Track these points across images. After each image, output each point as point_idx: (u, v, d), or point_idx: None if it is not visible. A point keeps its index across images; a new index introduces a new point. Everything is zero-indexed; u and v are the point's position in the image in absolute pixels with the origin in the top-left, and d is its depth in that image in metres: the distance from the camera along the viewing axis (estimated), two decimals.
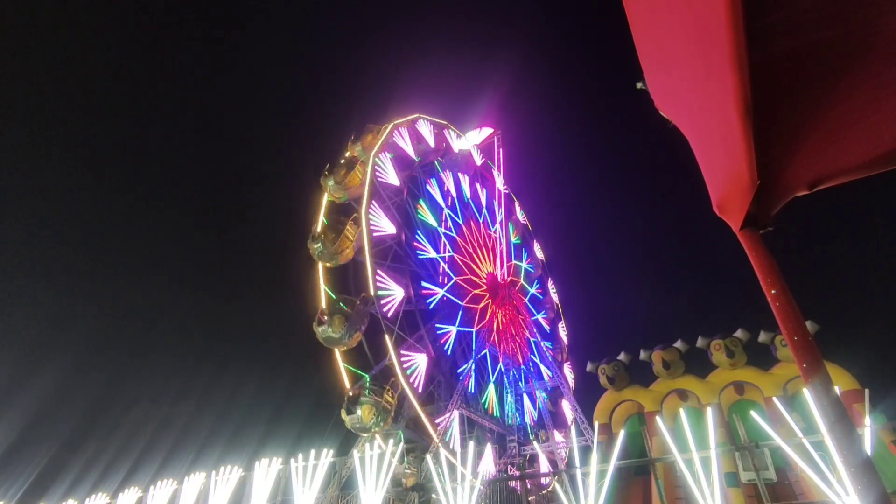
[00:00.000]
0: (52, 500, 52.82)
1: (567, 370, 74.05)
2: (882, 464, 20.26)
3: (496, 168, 73.36)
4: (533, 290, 74.74)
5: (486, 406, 53.50)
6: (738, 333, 27.58)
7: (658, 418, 23.93)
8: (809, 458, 18.69)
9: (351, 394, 36.92)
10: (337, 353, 40.76)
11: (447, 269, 54.99)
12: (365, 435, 36.54)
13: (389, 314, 41.80)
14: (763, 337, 27.23)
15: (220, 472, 31.57)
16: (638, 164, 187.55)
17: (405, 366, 40.16)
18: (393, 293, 43.65)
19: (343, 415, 36.22)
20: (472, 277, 58.61)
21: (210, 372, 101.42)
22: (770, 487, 21.07)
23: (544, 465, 49.69)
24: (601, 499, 21.28)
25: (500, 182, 72.75)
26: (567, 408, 63.90)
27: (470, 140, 71.17)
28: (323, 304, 41.51)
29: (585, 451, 25.27)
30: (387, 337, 39.71)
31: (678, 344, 28.97)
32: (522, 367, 62.18)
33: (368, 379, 38.60)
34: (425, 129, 59.52)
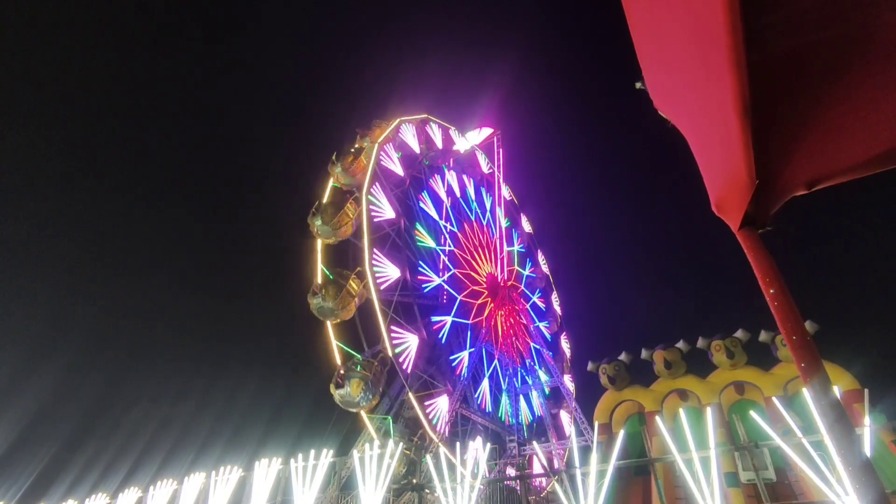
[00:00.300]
0: (52, 500, 52.86)
1: (568, 381, 73.73)
2: (882, 464, 20.26)
3: (497, 168, 73.40)
4: (535, 298, 74.65)
5: (480, 401, 53.54)
6: (738, 334, 27.60)
7: (658, 418, 23.93)
8: (809, 458, 18.69)
9: (341, 370, 37.10)
10: (331, 332, 40.78)
11: (446, 262, 55.01)
12: (353, 410, 36.80)
13: (384, 294, 42.22)
14: (764, 336, 27.24)
15: (219, 473, 31.59)
16: (637, 163, 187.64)
17: (395, 342, 40.47)
18: (388, 274, 43.94)
19: (332, 389, 36.47)
20: (472, 273, 58.62)
21: (210, 372, 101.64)
22: (770, 487, 21.07)
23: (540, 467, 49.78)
24: (601, 499, 21.28)
25: (505, 191, 72.99)
26: (566, 420, 63.98)
27: (470, 140, 71.22)
28: (318, 277, 41.76)
29: (585, 451, 25.27)
30: (377, 309, 39.84)
31: (680, 344, 28.98)
32: (520, 367, 62.22)
33: (361, 358, 38.76)
34: (432, 130, 59.83)
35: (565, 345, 77.92)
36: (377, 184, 47.36)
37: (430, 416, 40.22)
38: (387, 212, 47.34)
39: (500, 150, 75.03)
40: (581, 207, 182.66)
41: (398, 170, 51.08)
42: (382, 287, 42.31)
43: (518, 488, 28.31)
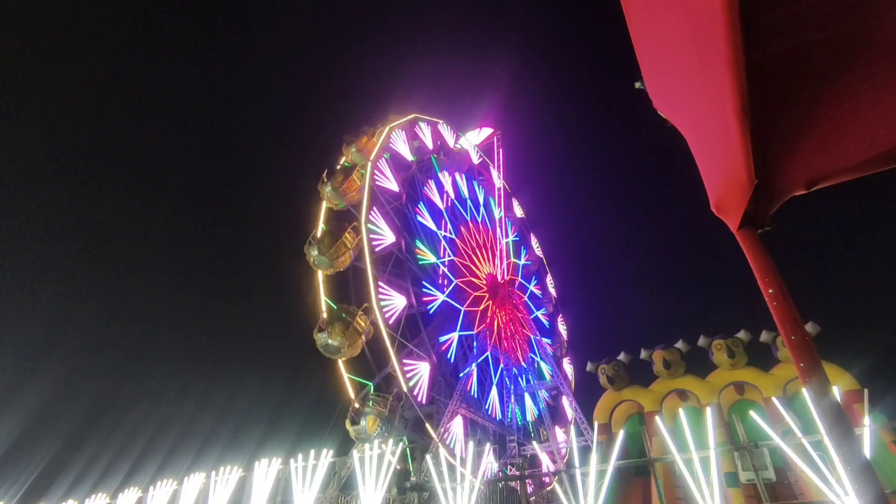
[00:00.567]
0: (52, 500, 52.83)
1: (567, 365, 74.27)
2: (883, 464, 20.26)
3: (496, 168, 73.44)
4: (532, 287, 74.84)
5: (490, 410, 53.59)
6: (741, 334, 27.60)
7: (658, 418, 23.93)
8: (809, 459, 18.69)
9: (356, 405, 37.03)
10: (341, 365, 40.74)
11: (447, 273, 55.04)
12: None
13: (391, 322, 41.78)
14: (765, 336, 27.24)
15: (219, 473, 31.58)
16: (637, 163, 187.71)
17: (408, 375, 40.12)
18: (394, 302, 43.70)
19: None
20: (472, 279, 58.66)
21: (210, 372, 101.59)
22: (769, 487, 21.07)
23: (544, 465, 49.79)
24: (601, 499, 21.27)
25: (496, 178, 72.77)
26: (567, 405, 63.99)
27: (470, 140, 71.25)
28: (323, 312, 41.19)
29: (585, 451, 25.27)
30: (389, 347, 39.52)
31: (679, 344, 28.98)
32: (524, 364, 62.28)
33: (372, 387, 38.63)
34: (421, 128, 59.69)
35: (562, 327, 78.36)
36: (375, 208, 46.60)
37: (408, 375, 40.00)
38: (387, 236, 46.44)
39: (500, 150, 75.15)
40: (581, 207, 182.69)
41: (393, 185, 50.42)
42: (389, 319, 41.88)
43: (518, 488, 28.31)
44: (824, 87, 2.07)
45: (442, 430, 40.18)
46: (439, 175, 61.18)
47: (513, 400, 57.15)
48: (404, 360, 40.84)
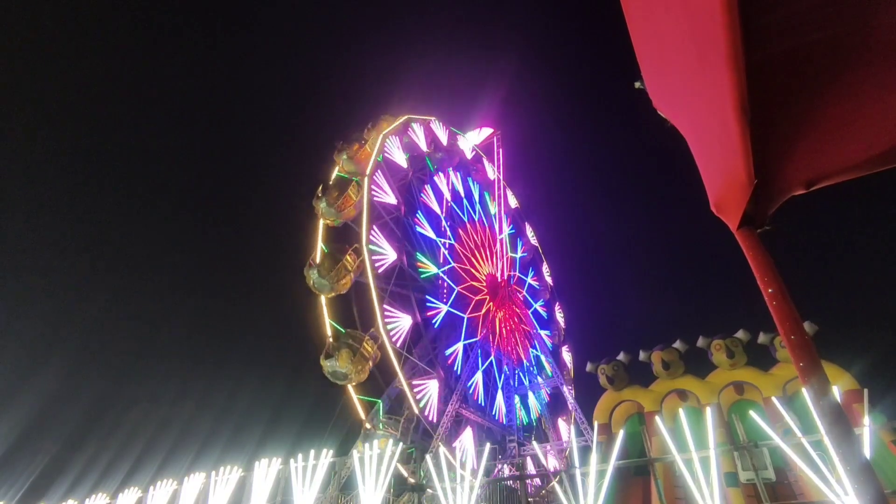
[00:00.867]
0: (52, 500, 52.82)
1: (566, 353, 74.38)
2: (882, 463, 20.26)
3: (495, 168, 73.37)
4: (537, 306, 74.73)
5: (495, 413, 53.59)
6: (740, 334, 27.60)
7: (657, 418, 23.93)
8: (808, 458, 18.69)
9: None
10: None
11: (448, 282, 55.01)
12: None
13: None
14: (762, 338, 27.24)
15: (219, 473, 31.56)
16: (637, 163, 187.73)
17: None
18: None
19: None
20: (473, 283, 58.65)
21: (210, 372, 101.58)
22: (769, 487, 21.06)
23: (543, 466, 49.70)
24: (601, 499, 21.27)
25: (490, 171, 72.50)
26: (563, 429, 64.04)
27: (470, 140, 71.20)
28: (329, 336, 40.39)
29: (585, 451, 25.27)
30: (398, 370, 39.46)
31: (677, 344, 28.98)
32: (517, 369, 62.26)
33: (381, 406, 38.59)
34: (439, 131, 59.74)
35: (567, 356, 77.69)
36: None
37: (419, 395, 40.10)
38: (388, 255, 46.21)
39: (500, 150, 75.14)
40: (580, 207, 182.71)
41: (390, 198, 50.01)
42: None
43: (517, 488, 28.32)
44: (824, 87, 2.07)
45: (442, 430, 40.19)
46: (435, 179, 60.94)
47: (517, 401, 57.22)
48: (413, 382, 40.63)
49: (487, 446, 28.04)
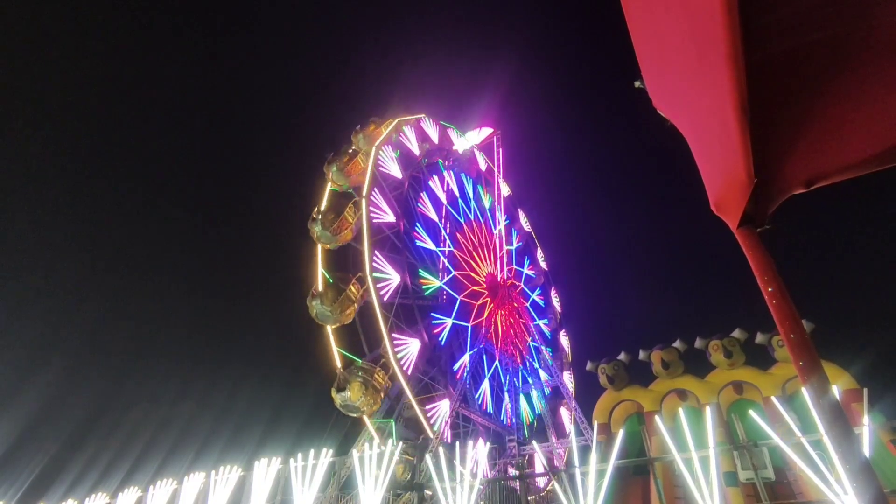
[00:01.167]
0: (51, 500, 52.82)
1: (567, 378, 73.89)
2: (881, 463, 20.29)
3: (496, 167, 73.40)
4: (534, 297, 74.72)
5: (486, 407, 53.49)
6: (736, 333, 27.62)
7: (657, 418, 23.95)
8: (808, 458, 18.71)
9: (342, 375, 37.12)
10: (330, 332, 40.77)
11: (446, 263, 55.06)
12: (354, 415, 36.73)
13: (385, 297, 42.28)
14: (760, 338, 27.28)
15: (219, 472, 31.56)
16: (636, 162, 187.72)
17: (397, 349, 40.49)
18: (389, 277, 44.13)
19: (333, 393, 36.46)
20: (472, 274, 58.65)
21: (209, 372, 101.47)
22: (768, 486, 21.09)
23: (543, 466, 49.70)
24: (600, 498, 21.29)
25: (504, 188, 73.01)
26: (566, 417, 64.09)
27: (470, 140, 71.21)
28: (319, 282, 41.81)
29: (584, 450, 25.29)
30: (379, 317, 39.94)
31: (677, 344, 29.02)
32: (521, 366, 62.26)
33: (361, 362, 38.79)
34: (429, 129, 59.72)
35: (564, 341, 78.13)
36: (376, 188, 47.49)
37: (431, 419, 40.23)
38: (386, 215, 47.37)
39: (500, 150, 75.13)
40: (580, 207, 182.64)
41: (396, 172, 51.05)
42: (383, 291, 42.37)
43: (518, 488, 28.34)
44: (824, 86, 2.08)
45: (441, 430, 40.17)
46: (444, 173, 61.33)
47: (507, 399, 57.17)
48: (395, 336, 41.24)
49: (487, 446, 28.08)
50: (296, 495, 27.14)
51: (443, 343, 50.30)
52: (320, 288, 40.99)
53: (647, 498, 23.81)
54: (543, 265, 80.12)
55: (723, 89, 2.02)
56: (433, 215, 56.65)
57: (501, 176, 73.52)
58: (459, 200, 63.80)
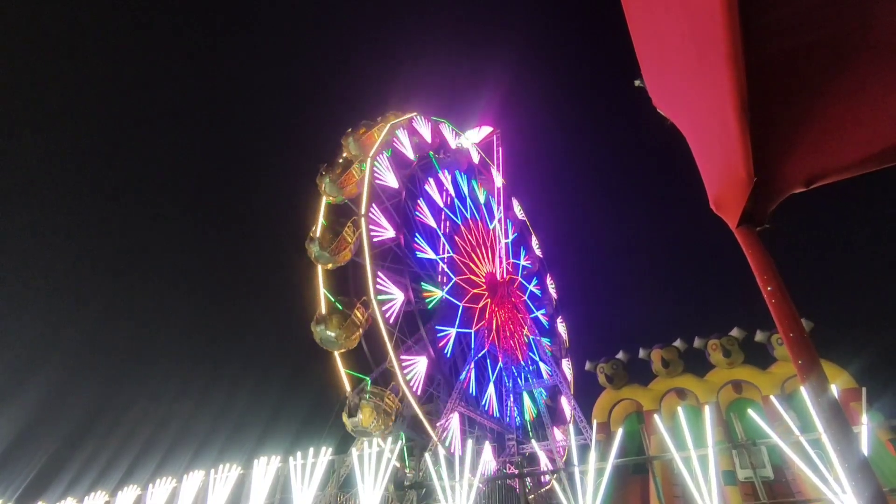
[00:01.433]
0: (51, 499, 52.81)
1: (566, 366, 74.28)
2: (880, 462, 20.33)
3: (495, 166, 73.40)
4: (531, 287, 74.88)
5: (486, 406, 53.54)
6: (734, 332, 27.66)
7: (656, 417, 23.99)
8: (806, 457, 18.75)
9: (351, 398, 36.97)
10: (336, 355, 40.60)
11: (447, 270, 55.05)
12: (365, 439, 36.53)
13: (391, 319, 41.78)
14: (760, 336, 27.31)
15: (218, 471, 31.58)
16: (636, 161, 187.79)
17: (405, 371, 40.23)
18: (393, 296, 43.70)
19: (344, 418, 36.32)
20: (472, 277, 58.66)
21: (209, 371, 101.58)
22: (767, 485, 21.14)
23: (543, 464, 49.84)
24: (599, 497, 21.33)
25: (498, 179, 72.78)
26: (566, 405, 64.10)
27: (469, 139, 71.19)
28: (322, 305, 41.34)
29: (584, 449, 25.33)
30: (387, 342, 39.55)
31: (677, 343, 29.05)
32: (522, 363, 62.35)
33: (370, 382, 38.58)
34: (421, 127, 59.57)
35: (562, 328, 78.28)
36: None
37: (442, 435, 40.14)
38: (386, 231, 46.57)
39: (500, 149, 75.12)
40: (579, 206, 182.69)
41: (393, 182, 50.43)
42: (388, 314, 41.97)
43: (517, 487, 28.38)
44: (824, 85, 2.08)
45: (440, 428, 40.21)
46: (440, 174, 61.08)
47: (511, 399, 57.23)
48: (402, 357, 40.97)
49: (487, 444, 28.10)
50: (295, 494, 27.17)
51: (448, 355, 50.28)
52: (323, 311, 40.44)
53: (645, 497, 23.86)
54: (538, 252, 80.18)
55: (723, 88, 2.02)
56: (431, 222, 56.44)
57: (501, 174, 73.51)
58: (456, 200, 63.81)
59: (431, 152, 60.47)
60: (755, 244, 2.47)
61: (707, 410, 22.61)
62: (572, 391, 72.13)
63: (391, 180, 49.94)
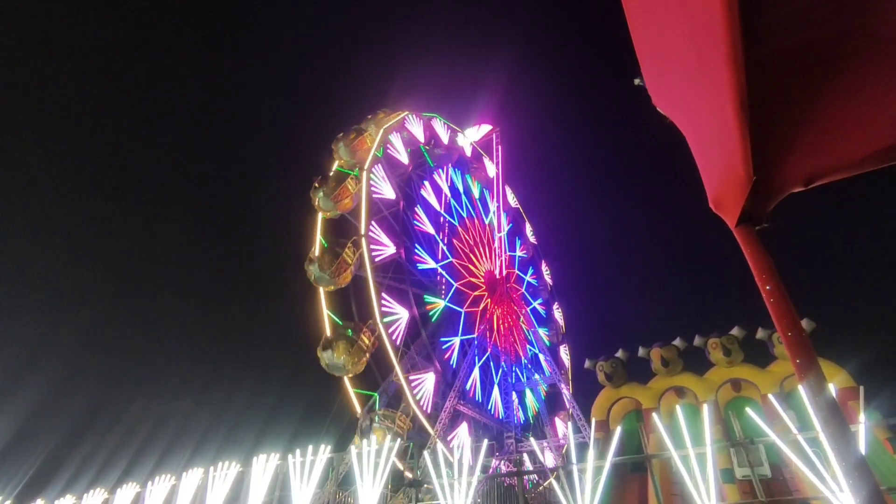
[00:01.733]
0: (50, 496, 52.82)
1: (564, 353, 74.39)
2: (877, 460, 20.40)
3: (495, 165, 73.29)
4: (528, 278, 74.86)
5: (492, 409, 53.66)
6: (735, 331, 27.70)
7: (655, 415, 24.03)
8: (804, 455, 18.80)
9: (362, 420, 37.02)
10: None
11: (447, 277, 54.90)
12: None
13: (397, 340, 41.52)
14: (761, 334, 27.35)
15: (217, 468, 31.60)
16: (636, 160, 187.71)
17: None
18: (398, 315, 43.42)
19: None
20: (471, 279, 58.65)
21: (208, 369, 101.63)
22: (765, 483, 21.19)
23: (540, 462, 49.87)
24: (597, 495, 21.37)
25: (490, 169, 72.50)
26: (560, 429, 64.26)
27: (469, 137, 71.07)
28: (327, 328, 40.66)
29: (582, 447, 25.37)
30: (396, 364, 39.37)
31: (677, 341, 29.09)
32: (523, 359, 62.44)
33: (377, 399, 38.56)
34: (440, 128, 59.44)
35: (565, 356, 77.61)
36: (379, 165, 47.14)
37: (416, 390, 40.08)
38: (386, 248, 46.17)
39: (500, 147, 75.05)
40: (579, 204, 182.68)
41: (402, 157, 50.61)
42: (377, 258, 41.99)
43: (515, 484, 28.42)
44: (823, 84, 2.08)
45: (440, 426, 40.25)
46: (434, 175, 60.68)
47: (515, 397, 57.33)
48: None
49: (485, 442, 28.14)
50: (294, 491, 27.20)
51: (453, 365, 50.19)
52: (329, 335, 39.97)
53: (644, 495, 23.91)
54: (549, 279, 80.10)
55: (722, 87, 2.02)
56: (430, 229, 56.18)
57: (500, 171, 73.43)
58: (463, 196, 63.75)
59: (423, 147, 60.06)
60: (754, 243, 2.48)
61: (705, 409, 22.67)
62: (570, 380, 72.40)
63: (388, 191, 49.18)
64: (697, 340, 28.59)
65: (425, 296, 50.32)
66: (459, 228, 60.73)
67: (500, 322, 61.01)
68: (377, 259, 43.28)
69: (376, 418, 36.50)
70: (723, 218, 2.63)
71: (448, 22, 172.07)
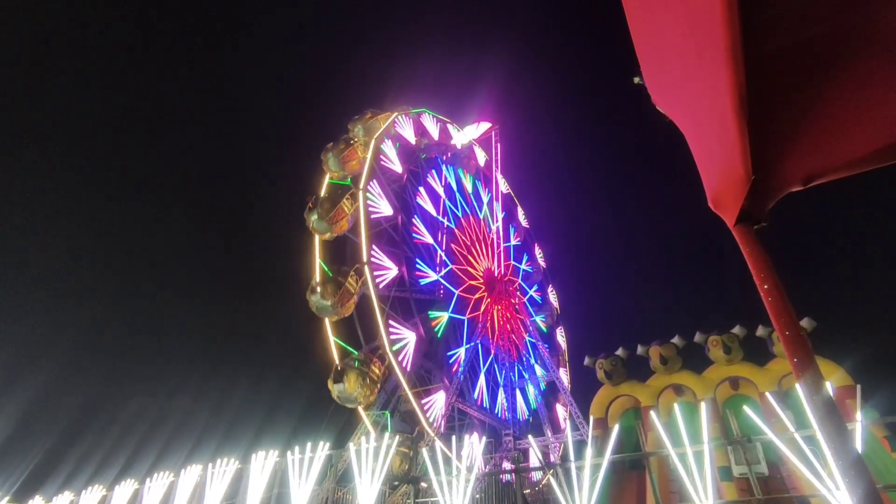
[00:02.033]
0: (48, 493, 52.86)
1: (563, 374, 73.88)
2: (874, 458, 20.49)
3: (494, 163, 73.20)
4: (532, 293, 74.68)
5: (499, 412, 53.68)
6: (736, 330, 27.78)
7: (653, 413, 24.09)
8: (801, 453, 18.87)
9: (339, 366, 37.08)
10: (328, 324, 40.62)
11: (444, 257, 54.89)
12: (350, 406, 36.73)
13: (382, 287, 42.05)
14: (761, 332, 27.43)
15: (216, 465, 31.65)
16: (635, 158, 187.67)
17: (393, 339, 40.33)
18: (387, 268, 43.90)
19: (329, 385, 36.40)
20: (469, 268, 58.60)
21: (207, 367, 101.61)
22: (762, 481, 21.28)
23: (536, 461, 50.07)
24: (595, 493, 21.44)
25: (503, 184, 72.78)
26: (561, 412, 64.31)
27: (468, 134, 70.93)
28: (317, 274, 41.52)
29: (580, 445, 25.43)
30: (376, 308, 39.74)
31: (676, 339, 29.16)
32: (517, 362, 62.44)
33: (357, 354, 38.79)
34: (429, 124, 59.36)
35: (561, 338, 78.14)
36: (374, 180, 47.02)
37: (427, 411, 40.27)
38: (384, 208, 46.86)
39: (498, 145, 74.95)
40: (578, 202, 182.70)
41: (395, 166, 50.67)
42: (380, 284, 42.21)
43: (513, 482, 28.49)
44: (823, 83, 2.07)
45: (437, 424, 40.29)
46: (428, 179, 60.48)
47: (518, 395, 57.43)
48: (391, 324, 41.02)
49: (483, 440, 28.21)
50: (293, 488, 27.25)
51: (439, 336, 50.19)
52: (318, 280, 40.73)
53: (642, 492, 24.00)
54: (542, 262, 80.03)
55: (722, 86, 2.02)
56: (431, 209, 56.40)
57: (500, 170, 73.38)
58: (457, 195, 63.61)
59: (438, 155, 60.71)
60: (752, 242, 2.48)
61: (703, 407, 22.74)
62: (567, 362, 72.45)
63: (385, 208, 48.71)
64: (698, 337, 28.66)
65: (430, 312, 50.09)
66: (456, 231, 60.59)
67: (500, 319, 61.05)
68: (381, 284, 42.84)
69: (354, 363, 36.69)
70: (721, 217, 2.63)
71: (448, 21, 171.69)
